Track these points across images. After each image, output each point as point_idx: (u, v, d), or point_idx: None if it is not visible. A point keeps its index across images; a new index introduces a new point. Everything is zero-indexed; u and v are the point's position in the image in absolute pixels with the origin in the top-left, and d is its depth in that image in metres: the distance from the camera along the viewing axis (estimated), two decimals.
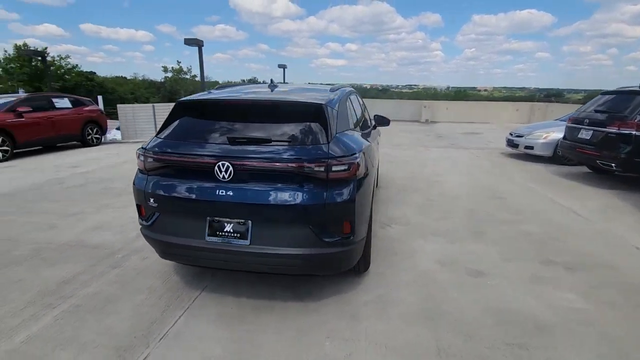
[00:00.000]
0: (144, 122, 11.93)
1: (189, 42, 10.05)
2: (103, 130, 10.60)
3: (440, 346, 2.11)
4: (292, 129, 2.27)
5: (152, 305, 2.49)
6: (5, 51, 40.08)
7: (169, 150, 2.28)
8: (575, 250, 3.42)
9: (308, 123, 2.29)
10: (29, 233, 3.69)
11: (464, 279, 2.88)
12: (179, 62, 58.30)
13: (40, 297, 2.57)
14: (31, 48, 38.17)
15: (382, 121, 4.68)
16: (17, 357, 2.00)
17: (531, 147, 7.61)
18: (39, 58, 40.23)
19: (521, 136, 7.90)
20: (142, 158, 2.38)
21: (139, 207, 2.48)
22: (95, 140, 10.14)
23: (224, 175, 2.16)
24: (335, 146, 2.23)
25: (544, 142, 7.41)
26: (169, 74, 55.54)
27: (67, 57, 41.17)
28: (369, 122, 4.49)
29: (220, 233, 2.25)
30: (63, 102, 9.42)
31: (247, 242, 2.22)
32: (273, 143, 2.20)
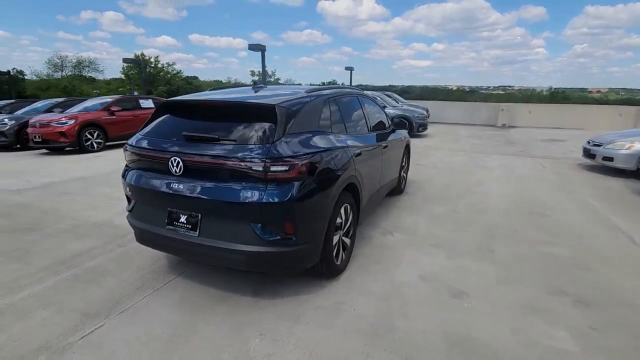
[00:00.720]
0: None
1: (253, 47, 10.76)
2: None
3: None
4: (243, 128, 2.35)
5: (132, 283, 2.80)
6: (124, 60, 47.32)
7: (141, 145, 2.55)
8: (602, 283, 2.85)
9: (258, 123, 2.34)
10: (77, 211, 4.41)
11: (439, 298, 2.62)
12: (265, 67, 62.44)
13: (55, 264, 3.08)
14: (146, 57, 44.48)
15: (401, 124, 4.44)
16: (11, 310, 2.45)
17: (610, 159, 6.43)
18: (151, 65, 46.36)
19: (599, 145, 6.73)
20: (125, 152, 2.69)
21: (126, 195, 2.81)
22: None
23: (175, 170, 2.34)
24: (280, 146, 2.25)
25: (626, 153, 6.21)
26: (255, 78, 59.86)
27: (174, 64, 46.76)
28: (385, 124, 4.33)
29: (176, 223, 2.43)
30: (147, 103, 10.87)
31: (196, 234, 2.36)
32: (221, 141, 2.30)
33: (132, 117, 10.06)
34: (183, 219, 2.41)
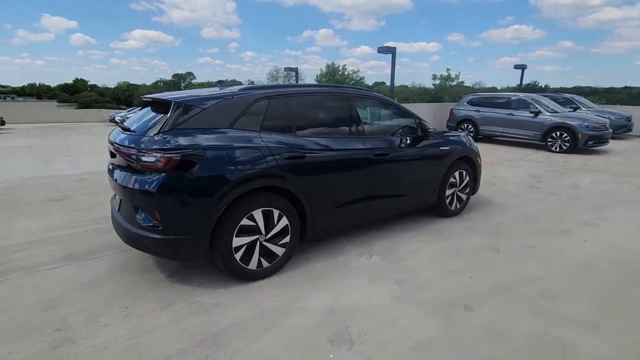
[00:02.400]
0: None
1: (382, 50, 10.58)
2: None
3: None
4: (148, 121, 2.60)
5: (102, 258, 3.28)
6: (321, 69, 54.01)
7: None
8: None
9: (158, 117, 2.54)
10: None
11: (337, 341, 2.17)
12: (448, 70, 59.07)
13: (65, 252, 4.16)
14: (336, 66, 49.70)
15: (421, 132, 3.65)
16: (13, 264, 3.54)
17: None
18: (339, 72, 51.33)
19: None
20: None
21: None
22: None
23: (111, 157, 2.82)
24: (156, 139, 2.40)
25: None
26: (437, 82, 57.65)
27: (358, 71, 50.61)
28: (401, 130, 3.69)
29: (118, 207, 2.91)
30: None
31: (121, 216, 2.78)
32: (131, 132, 2.62)
33: None
34: (118, 203, 2.88)
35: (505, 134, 10.58)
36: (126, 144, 2.51)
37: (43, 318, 2.32)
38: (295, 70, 15.98)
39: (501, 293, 2.66)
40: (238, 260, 2.66)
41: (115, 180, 2.65)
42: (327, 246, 3.42)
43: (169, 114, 2.50)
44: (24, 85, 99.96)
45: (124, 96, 77.53)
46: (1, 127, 20.31)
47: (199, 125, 2.54)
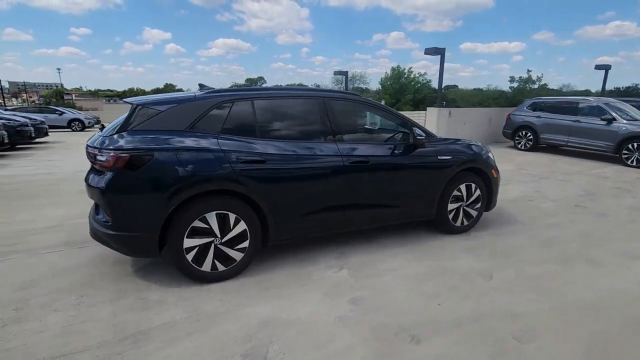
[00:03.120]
0: None
1: (429, 51, 9.95)
2: None
3: None
4: (118, 123, 2.73)
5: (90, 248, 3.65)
6: (386, 72, 53.14)
7: None
8: None
9: (125, 118, 2.67)
10: None
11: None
12: (529, 71, 54.14)
13: None
14: (401, 69, 48.54)
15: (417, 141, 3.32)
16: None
17: None
18: (404, 75, 49.99)
19: None
20: None
21: None
22: None
23: None
24: (111, 139, 2.52)
25: None
26: (515, 84, 53.22)
27: (425, 73, 48.90)
28: (391, 137, 3.43)
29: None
30: None
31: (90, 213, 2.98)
32: (104, 131, 2.79)
33: None
34: None
35: (570, 144, 9.29)
36: (90, 144, 2.69)
37: (11, 297, 2.58)
38: (345, 74, 15.89)
39: (465, 326, 2.30)
40: (190, 261, 2.68)
41: (85, 179, 2.84)
42: (300, 255, 3.30)
43: (127, 116, 2.62)
44: (125, 90, 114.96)
45: None
46: (96, 125, 23.68)
47: (156, 127, 2.61)
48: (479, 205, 3.90)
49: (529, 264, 3.20)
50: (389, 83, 50.89)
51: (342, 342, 2.15)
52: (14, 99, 77.03)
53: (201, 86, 3.28)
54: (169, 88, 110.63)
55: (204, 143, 2.65)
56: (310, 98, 3.15)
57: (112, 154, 2.46)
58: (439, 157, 3.55)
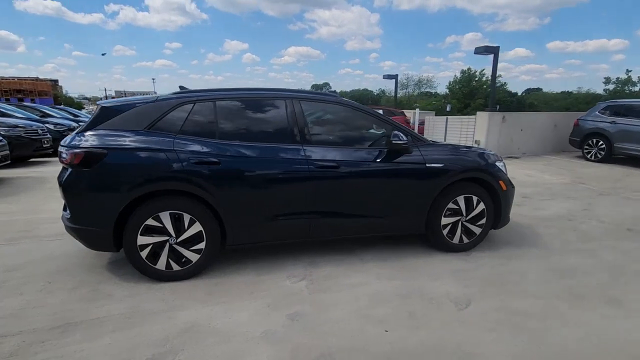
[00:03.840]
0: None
1: (480, 50, 9.06)
2: None
3: None
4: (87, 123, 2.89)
5: None
6: (455, 75, 50.47)
7: None
8: None
9: (91, 118, 2.81)
10: None
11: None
12: (628, 71, 47.07)
13: None
14: (472, 71, 45.73)
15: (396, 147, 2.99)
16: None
17: None
18: (475, 78, 46.99)
19: None
20: None
21: None
22: None
23: None
24: (72, 137, 2.68)
25: None
26: (611, 86, 46.77)
27: (499, 76, 45.61)
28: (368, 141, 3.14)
29: None
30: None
31: None
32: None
33: None
34: None
35: None
36: (62, 142, 2.89)
37: None
38: (395, 77, 15.24)
39: None
40: (145, 258, 2.73)
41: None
42: (269, 261, 3.18)
43: (93, 117, 2.77)
44: None
45: None
46: None
47: (116, 127, 2.71)
48: (483, 221, 3.40)
49: (522, 296, 2.68)
50: (457, 87, 48.14)
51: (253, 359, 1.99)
52: None
53: (181, 88, 3.35)
54: None
55: (158, 143, 2.69)
56: (276, 99, 3.03)
57: (70, 151, 2.61)
58: (427, 165, 3.17)
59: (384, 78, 16.35)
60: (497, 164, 3.44)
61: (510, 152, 9.85)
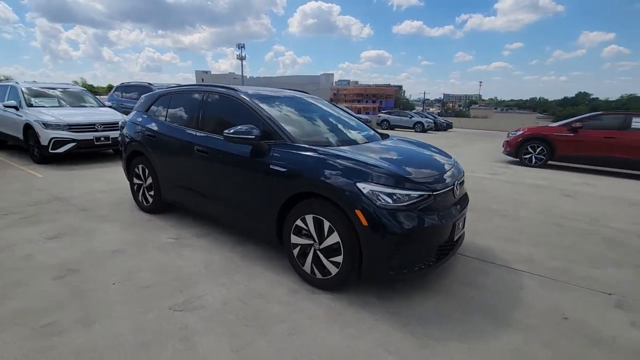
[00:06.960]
0: None
1: None
2: None
3: None
4: None
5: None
6: None
7: None
8: None
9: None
10: None
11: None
12: None
13: None
14: None
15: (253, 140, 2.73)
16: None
17: None
18: None
19: None
20: None
21: None
22: None
23: None
24: None
25: None
26: None
27: None
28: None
29: None
30: None
31: None
32: None
33: (603, 138, 7.94)
34: None
35: None
36: None
37: (44, 198, 5.33)
38: None
39: None
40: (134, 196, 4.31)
41: None
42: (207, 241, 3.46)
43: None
44: (526, 100, 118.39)
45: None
46: (449, 129, 26.74)
47: (141, 109, 4.38)
48: (339, 258, 2.44)
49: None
50: None
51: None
52: (431, 108, 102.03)
53: (202, 80, 4.58)
54: (581, 97, 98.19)
55: (138, 119, 4.12)
56: (196, 92, 3.67)
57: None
58: (272, 167, 2.71)
59: None
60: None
61: None
